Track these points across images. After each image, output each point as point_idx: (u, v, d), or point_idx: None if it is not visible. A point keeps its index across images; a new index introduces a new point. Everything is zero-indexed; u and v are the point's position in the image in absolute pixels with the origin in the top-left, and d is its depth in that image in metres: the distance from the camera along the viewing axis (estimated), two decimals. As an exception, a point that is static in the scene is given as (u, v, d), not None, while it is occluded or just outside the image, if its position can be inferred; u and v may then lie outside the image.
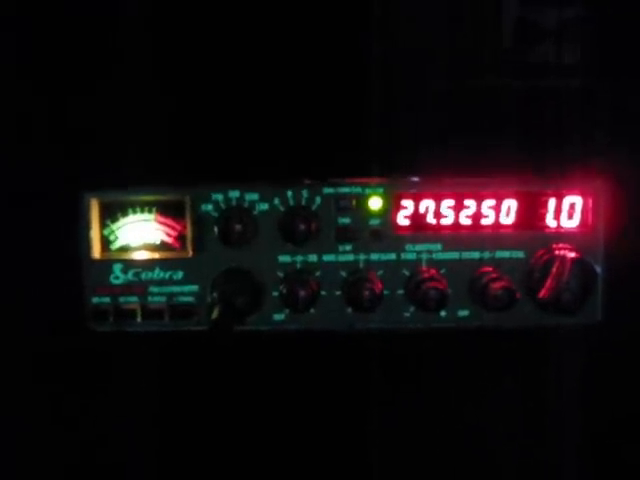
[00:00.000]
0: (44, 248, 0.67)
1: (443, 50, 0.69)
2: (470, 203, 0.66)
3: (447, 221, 0.67)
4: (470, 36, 0.70)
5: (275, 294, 0.67)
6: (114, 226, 0.67)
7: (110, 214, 0.67)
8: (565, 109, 0.69)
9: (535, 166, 0.66)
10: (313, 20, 0.66)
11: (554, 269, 0.63)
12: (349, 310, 0.67)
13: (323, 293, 0.67)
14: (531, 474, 0.71)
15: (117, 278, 0.68)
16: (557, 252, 0.64)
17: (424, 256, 0.67)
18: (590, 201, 0.66)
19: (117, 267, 0.68)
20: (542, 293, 0.64)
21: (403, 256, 0.67)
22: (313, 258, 0.67)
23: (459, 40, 0.70)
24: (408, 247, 0.67)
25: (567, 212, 0.66)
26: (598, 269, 0.64)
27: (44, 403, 0.69)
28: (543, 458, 0.71)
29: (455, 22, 0.70)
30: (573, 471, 0.70)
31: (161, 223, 0.67)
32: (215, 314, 0.63)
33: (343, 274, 0.67)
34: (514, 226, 0.66)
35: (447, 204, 0.67)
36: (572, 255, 0.63)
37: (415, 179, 0.67)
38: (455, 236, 0.67)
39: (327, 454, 0.71)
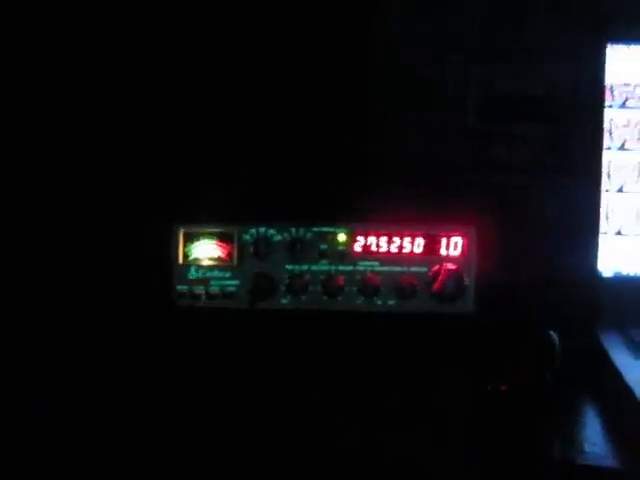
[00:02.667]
0: (151, 255, 1.02)
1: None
2: (396, 239, 1.00)
3: (382, 249, 1.00)
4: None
5: (283, 288, 1.00)
6: (192, 245, 1.02)
7: (189, 238, 1.02)
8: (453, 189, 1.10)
9: (435, 219, 1.03)
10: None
11: (441, 274, 1.00)
12: (325, 298, 1.00)
13: (310, 288, 1.00)
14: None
15: (192, 275, 1.02)
16: (444, 266, 1.01)
17: (368, 268, 1.00)
18: (467, 240, 1.00)
19: (193, 268, 1.01)
20: (434, 287, 1.00)
21: (357, 268, 1.01)
22: (305, 267, 1.01)
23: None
24: (360, 263, 1.00)
25: (453, 246, 1.00)
26: (466, 275, 1.01)
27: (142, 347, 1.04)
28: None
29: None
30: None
31: (219, 245, 1.01)
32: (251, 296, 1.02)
33: (322, 277, 1.00)
34: (422, 253, 1.01)
35: (383, 239, 1.00)
36: (451, 267, 1.01)
37: (365, 224, 1.01)
38: (387, 258, 1.00)
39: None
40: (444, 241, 1.01)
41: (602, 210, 1.07)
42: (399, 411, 0.92)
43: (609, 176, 1.09)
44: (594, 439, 0.86)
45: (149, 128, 1.09)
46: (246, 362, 1.00)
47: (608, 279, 1.07)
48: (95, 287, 1.08)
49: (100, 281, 1.08)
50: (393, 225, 1.02)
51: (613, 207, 1.09)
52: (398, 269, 1.01)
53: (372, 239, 1.02)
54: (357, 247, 1.02)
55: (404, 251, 1.01)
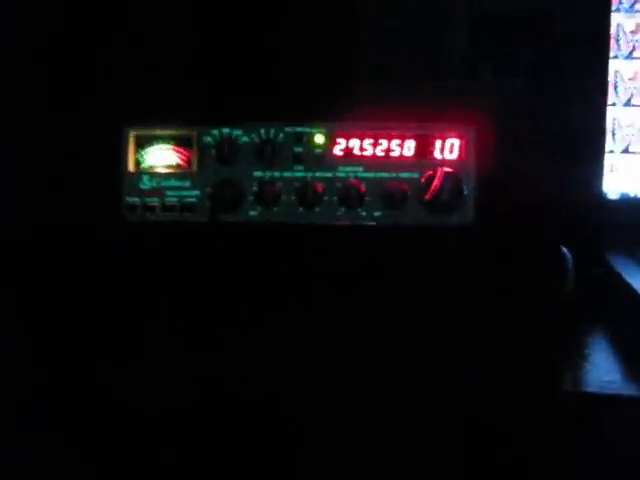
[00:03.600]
0: (97, 163, 0.91)
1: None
2: (383, 141, 0.89)
3: (367, 152, 0.89)
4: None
5: (251, 198, 0.90)
6: (144, 151, 0.91)
7: (141, 143, 0.90)
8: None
9: (428, 118, 0.91)
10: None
11: (435, 180, 0.88)
12: (300, 209, 0.89)
13: (283, 197, 0.89)
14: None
15: (145, 185, 0.90)
16: (438, 170, 0.88)
17: (351, 174, 0.90)
18: (464, 141, 0.89)
19: (145, 177, 0.90)
20: (427, 196, 0.88)
21: (337, 174, 0.90)
22: (277, 174, 0.90)
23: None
24: (340, 168, 0.89)
25: (449, 148, 0.89)
26: (464, 179, 0.88)
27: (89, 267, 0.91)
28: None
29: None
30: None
31: (176, 150, 0.90)
32: (214, 207, 0.90)
33: (296, 185, 0.89)
34: (413, 157, 0.89)
35: (367, 141, 0.89)
36: (446, 170, 0.88)
37: (346, 123, 0.90)
38: (373, 162, 0.89)
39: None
40: (438, 143, 0.90)
41: (608, 126, 0.98)
42: (388, 334, 0.82)
43: (616, 88, 0.99)
44: (611, 366, 0.79)
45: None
46: (210, 283, 0.90)
47: (614, 201, 0.99)
48: (32, 199, 0.94)
49: (37, 193, 0.94)
50: (379, 124, 0.91)
51: (620, 122, 0.99)
52: (385, 175, 0.90)
53: (355, 141, 0.90)
54: (337, 150, 0.91)
55: (392, 154, 0.90)
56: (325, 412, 0.73)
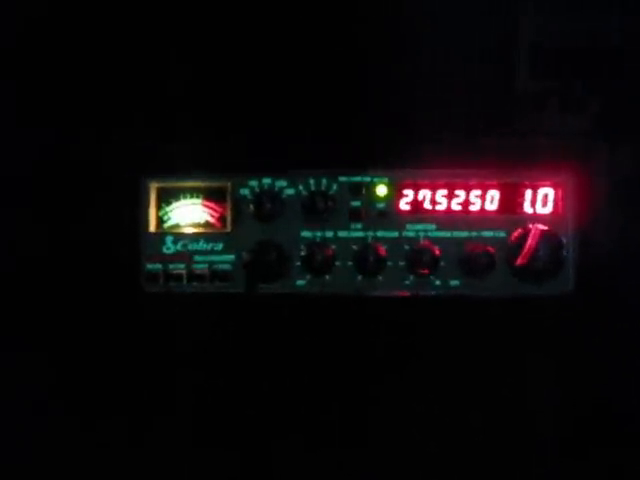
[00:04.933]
0: (111, 222, 0.77)
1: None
2: (460, 192, 0.77)
3: (441, 207, 0.77)
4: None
5: (298, 263, 0.77)
6: (168, 208, 0.79)
7: (165, 197, 0.79)
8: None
9: (515, 164, 0.76)
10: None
11: (528, 240, 0.73)
12: (359, 277, 0.77)
13: (337, 263, 0.77)
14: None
15: (169, 248, 0.79)
16: (531, 228, 0.73)
17: (421, 234, 0.77)
18: (560, 192, 0.76)
19: (169, 239, 0.79)
20: (519, 261, 0.73)
21: (404, 234, 0.77)
22: (330, 234, 0.77)
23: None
24: (408, 227, 0.77)
25: (541, 201, 0.76)
26: (564, 240, 0.74)
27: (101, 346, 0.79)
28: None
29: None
30: (547, 435, 0.77)
31: (206, 206, 0.79)
32: (252, 275, 0.76)
33: (354, 247, 0.77)
34: (497, 211, 0.76)
35: (441, 193, 0.77)
36: (542, 228, 0.73)
37: (414, 171, 0.78)
38: (448, 218, 0.76)
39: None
40: (529, 194, 0.77)
41: None
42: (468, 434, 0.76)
43: None
44: None
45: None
46: (246, 368, 0.79)
47: None
48: (38, 268, 0.79)
49: (44, 260, 0.79)
50: (454, 172, 0.78)
51: None
52: (464, 234, 0.77)
53: (425, 192, 0.78)
54: (404, 204, 0.78)
55: (471, 208, 0.77)
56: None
